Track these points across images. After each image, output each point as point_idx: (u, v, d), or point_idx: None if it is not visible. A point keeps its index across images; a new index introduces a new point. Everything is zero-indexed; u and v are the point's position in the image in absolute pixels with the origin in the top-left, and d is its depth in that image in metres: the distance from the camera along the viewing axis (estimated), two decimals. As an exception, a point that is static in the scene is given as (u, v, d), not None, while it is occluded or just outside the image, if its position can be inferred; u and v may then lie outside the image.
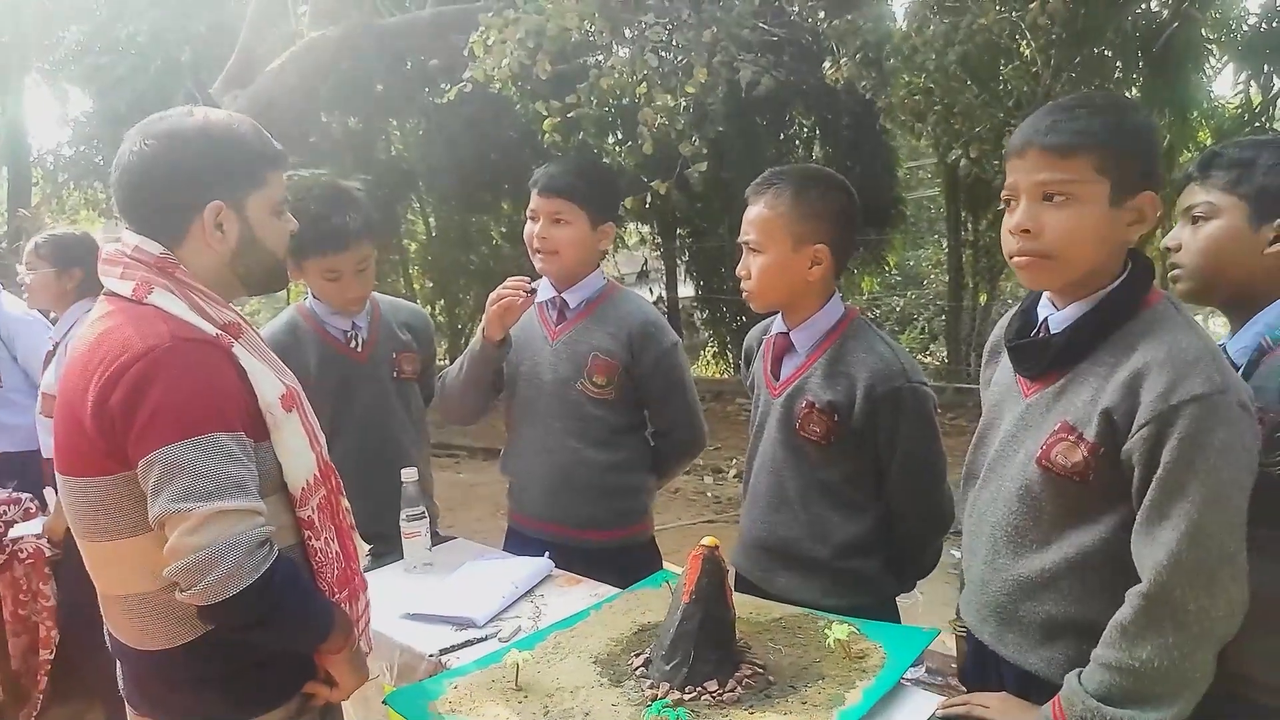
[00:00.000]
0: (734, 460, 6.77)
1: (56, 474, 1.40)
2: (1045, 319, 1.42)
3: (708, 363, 11.62)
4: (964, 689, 1.60)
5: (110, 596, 1.42)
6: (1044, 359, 1.39)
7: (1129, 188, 1.30)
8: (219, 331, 1.37)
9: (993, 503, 1.48)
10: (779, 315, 1.95)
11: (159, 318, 1.33)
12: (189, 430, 1.26)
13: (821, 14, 6.02)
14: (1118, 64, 6.47)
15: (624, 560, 2.15)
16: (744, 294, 1.90)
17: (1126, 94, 6.67)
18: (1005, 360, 1.52)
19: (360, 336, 2.35)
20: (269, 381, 1.40)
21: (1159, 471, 1.22)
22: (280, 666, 1.44)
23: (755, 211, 1.85)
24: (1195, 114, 7.21)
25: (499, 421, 2.43)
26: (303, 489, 1.42)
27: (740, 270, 1.89)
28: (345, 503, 1.57)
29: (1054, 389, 1.38)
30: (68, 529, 2.75)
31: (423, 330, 2.53)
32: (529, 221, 2.23)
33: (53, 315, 3.32)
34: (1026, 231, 1.33)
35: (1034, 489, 1.39)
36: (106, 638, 1.48)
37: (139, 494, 1.30)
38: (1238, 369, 1.33)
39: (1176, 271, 1.47)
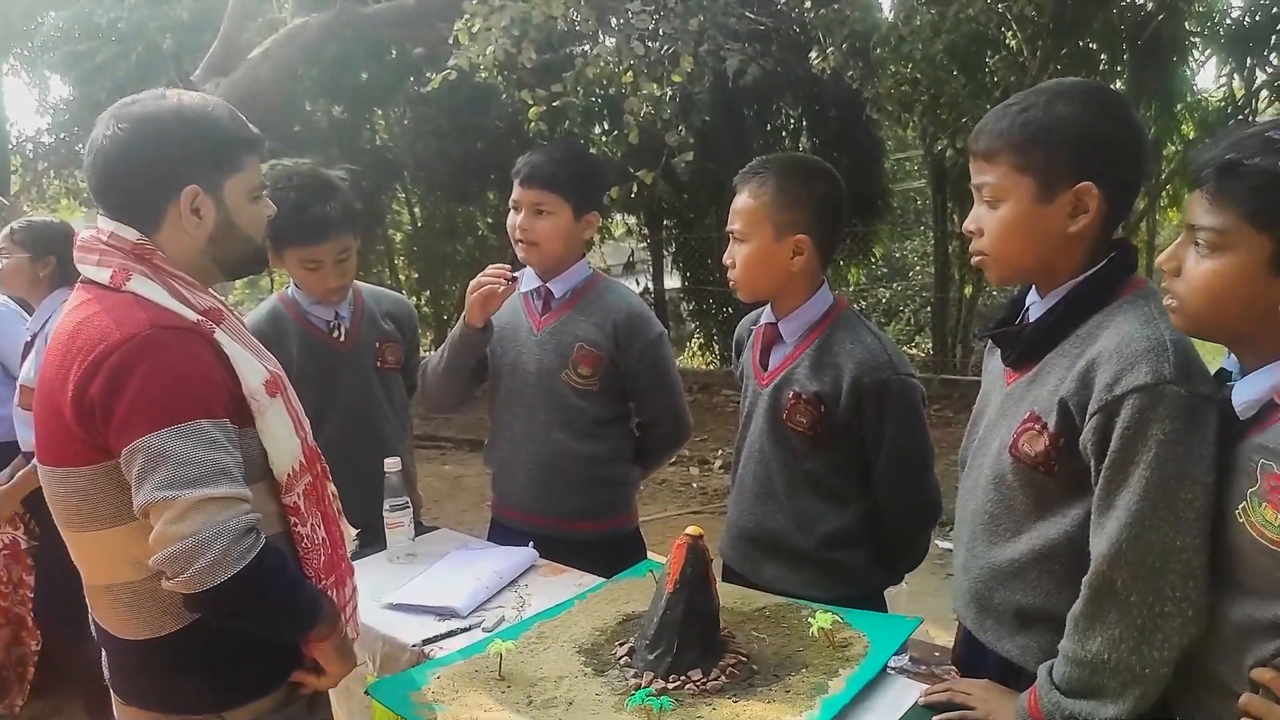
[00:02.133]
0: (720, 451, 6.78)
1: (38, 465, 1.38)
2: (1029, 308, 1.44)
3: (694, 354, 11.61)
4: (951, 676, 1.61)
5: (96, 586, 1.40)
6: (1016, 347, 1.41)
7: (1057, 182, 1.30)
8: (200, 318, 1.35)
9: (973, 490, 1.49)
10: (769, 305, 1.95)
11: (137, 305, 1.31)
12: (171, 418, 1.25)
13: (808, 3, 6.01)
14: (1103, 56, 6.50)
15: (608, 552, 2.15)
16: (730, 283, 1.90)
17: (1111, 85, 6.71)
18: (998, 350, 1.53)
19: (343, 326, 2.33)
20: (252, 367, 1.38)
21: (1105, 461, 1.22)
22: (267, 655, 1.43)
23: (740, 200, 1.85)
24: (1180, 106, 7.26)
25: (481, 412, 2.42)
26: (288, 475, 1.41)
27: (726, 259, 1.89)
28: (332, 488, 1.56)
29: (1028, 378, 1.39)
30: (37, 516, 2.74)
31: (406, 320, 2.51)
32: (511, 211, 2.21)
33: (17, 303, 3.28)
34: (973, 233, 1.40)
35: (1006, 478, 1.40)
36: (92, 627, 1.46)
37: (121, 483, 1.29)
38: (1238, 420, 1.19)
39: (1171, 302, 1.21)
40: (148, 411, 1.25)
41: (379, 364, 2.38)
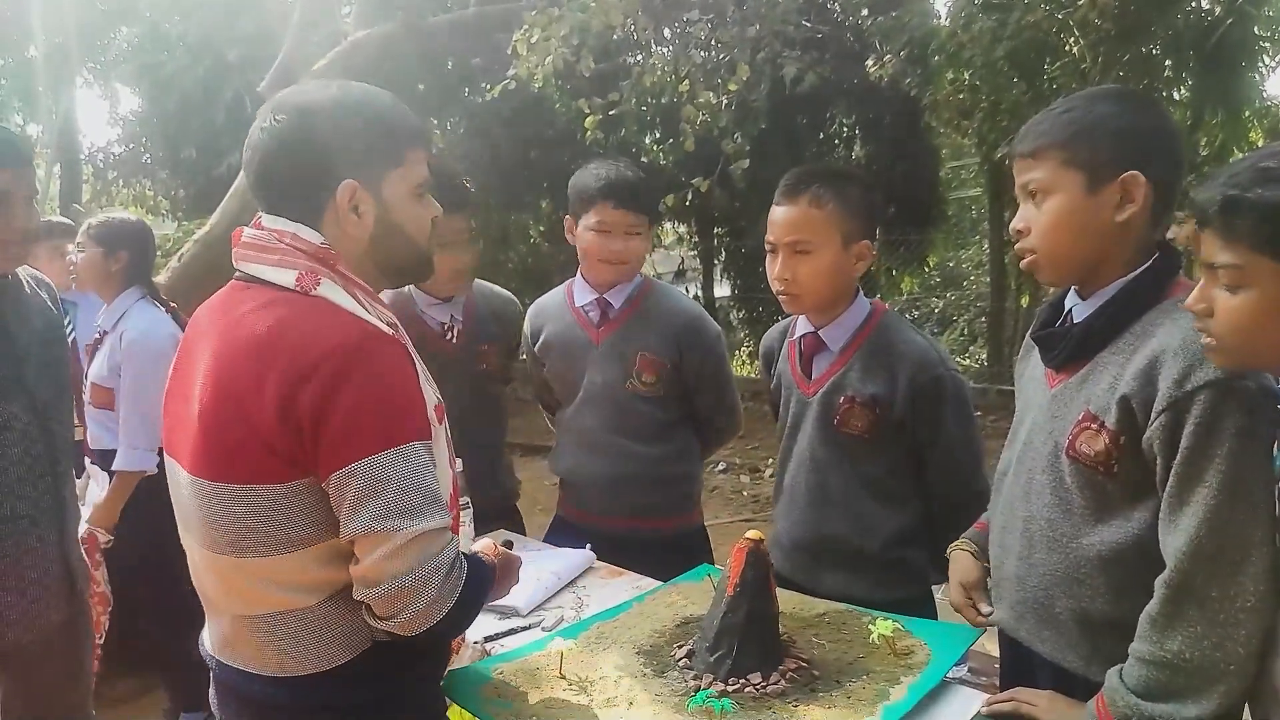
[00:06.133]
0: (770, 460, 6.74)
1: (195, 479, 1.24)
2: (1070, 310, 1.44)
3: (744, 362, 11.58)
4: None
5: (248, 617, 1.25)
6: (1065, 348, 1.40)
7: (1103, 173, 1.31)
8: (392, 330, 1.25)
9: (1024, 497, 1.47)
10: (801, 316, 1.95)
11: (335, 312, 1.20)
12: (391, 438, 1.15)
13: (865, 11, 5.99)
14: (1167, 62, 6.35)
15: (677, 548, 2.18)
16: (784, 298, 1.87)
17: (1175, 92, 6.56)
18: (1036, 354, 1.52)
19: (455, 329, 2.34)
20: (427, 390, 1.28)
21: (1177, 458, 1.22)
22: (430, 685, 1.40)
23: (799, 212, 1.82)
24: (1248, 113, 7.06)
25: (535, 417, 2.45)
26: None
27: (783, 273, 1.84)
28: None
29: (1077, 378, 1.38)
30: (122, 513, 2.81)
31: (513, 319, 2.50)
32: (596, 233, 2.18)
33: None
34: (1021, 232, 1.41)
35: (1065, 481, 1.38)
36: (218, 671, 1.34)
37: (312, 503, 1.19)
38: None
39: (1210, 341, 1.18)
40: (367, 430, 1.15)
41: (483, 366, 2.39)
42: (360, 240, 1.28)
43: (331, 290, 1.22)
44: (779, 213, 1.84)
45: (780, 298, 1.88)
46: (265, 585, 1.22)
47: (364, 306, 1.24)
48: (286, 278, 1.22)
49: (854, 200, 1.82)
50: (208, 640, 1.36)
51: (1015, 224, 1.42)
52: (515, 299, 2.63)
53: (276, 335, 1.17)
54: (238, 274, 1.29)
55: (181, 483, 1.28)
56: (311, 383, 1.14)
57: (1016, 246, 1.43)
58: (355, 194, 1.25)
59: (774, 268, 1.86)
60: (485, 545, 1.47)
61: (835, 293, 1.87)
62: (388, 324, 1.26)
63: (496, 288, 2.58)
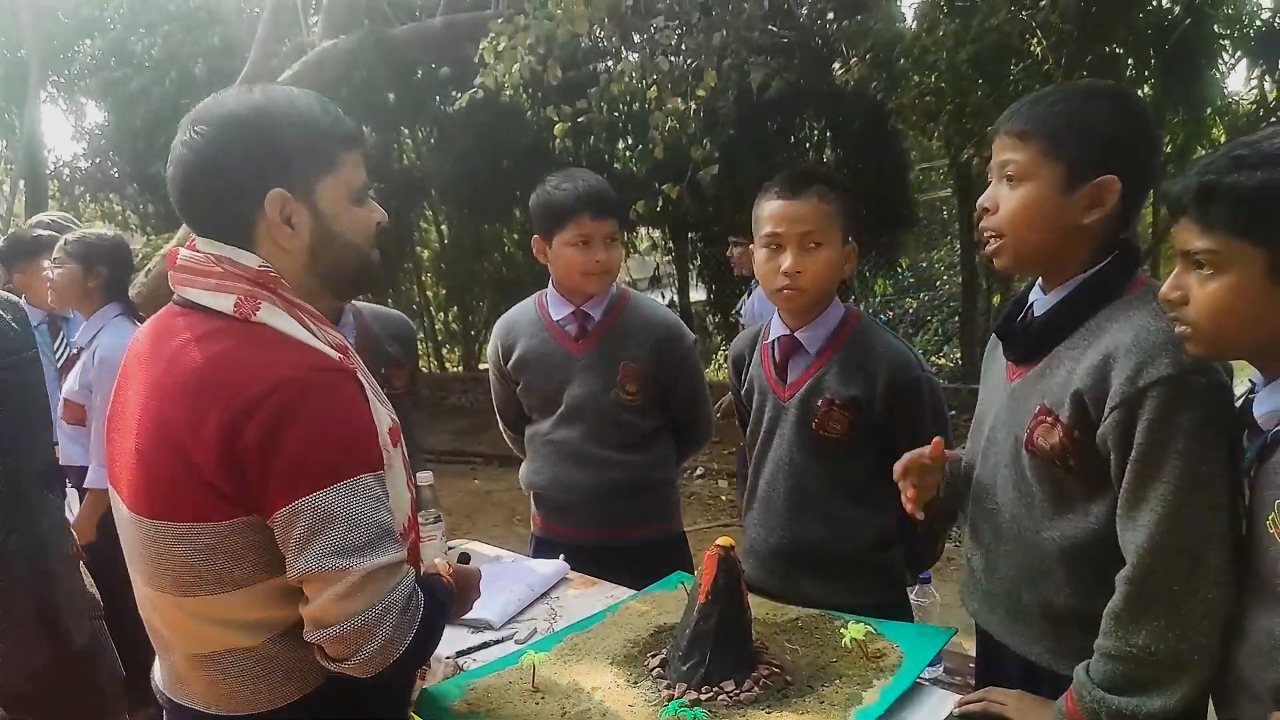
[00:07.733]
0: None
1: (134, 516, 1.19)
2: (1032, 304, 1.45)
3: (720, 366, 11.61)
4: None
5: (196, 656, 1.21)
6: (1024, 341, 1.43)
7: (1082, 173, 1.32)
8: (340, 355, 1.19)
9: (989, 490, 1.49)
10: (773, 319, 1.95)
11: (278, 341, 1.15)
12: (337, 473, 1.11)
13: (831, 16, 6.04)
14: (1130, 61, 6.45)
15: (659, 555, 2.19)
16: (789, 293, 1.82)
17: (1138, 92, 6.65)
18: (999, 349, 1.54)
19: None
20: (381, 413, 1.23)
21: (1133, 454, 1.23)
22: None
23: (809, 206, 1.80)
24: (1209, 111, 7.17)
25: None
26: (399, 534, 1.22)
27: (794, 266, 1.80)
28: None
29: (1035, 372, 1.40)
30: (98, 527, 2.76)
31: (409, 339, 2.48)
32: (579, 247, 2.15)
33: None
34: (987, 210, 1.41)
35: (1026, 475, 1.40)
36: (169, 709, 1.30)
37: (257, 542, 1.14)
38: (1264, 433, 1.18)
39: (1185, 329, 1.19)
40: (312, 467, 1.10)
41: (387, 390, 2.33)
42: (298, 254, 1.22)
43: (273, 315, 1.16)
44: (786, 208, 1.81)
45: (783, 293, 1.83)
46: (211, 623, 1.19)
47: (310, 330, 1.18)
48: (225, 303, 1.16)
49: (849, 202, 1.86)
50: (159, 678, 1.32)
51: (982, 201, 1.42)
52: (407, 319, 2.58)
53: (215, 370, 1.12)
54: (175, 297, 1.23)
55: (123, 518, 1.23)
56: (253, 421, 1.08)
57: (980, 224, 1.43)
58: (285, 204, 1.19)
59: (779, 262, 1.81)
60: (439, 563, 1.43)
61: (832, 290, 1.88)
62: (335, 347, 1.20)
63: (384, 308, 2.52)
